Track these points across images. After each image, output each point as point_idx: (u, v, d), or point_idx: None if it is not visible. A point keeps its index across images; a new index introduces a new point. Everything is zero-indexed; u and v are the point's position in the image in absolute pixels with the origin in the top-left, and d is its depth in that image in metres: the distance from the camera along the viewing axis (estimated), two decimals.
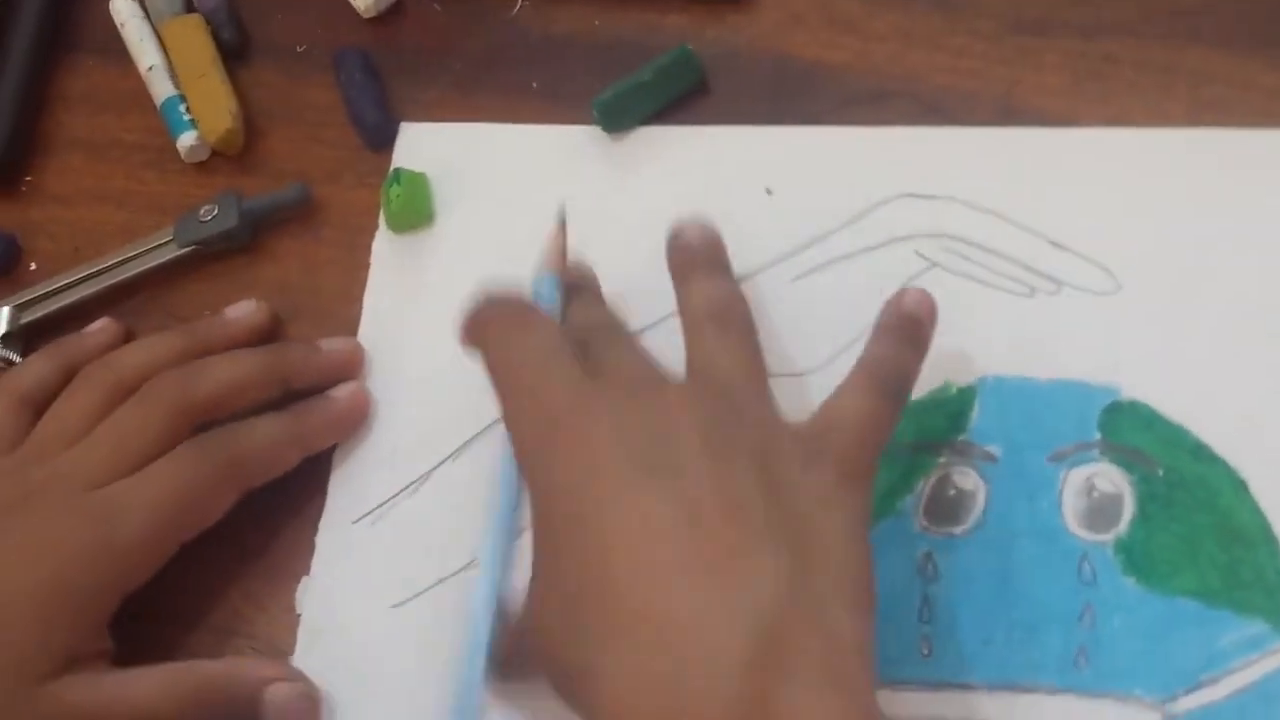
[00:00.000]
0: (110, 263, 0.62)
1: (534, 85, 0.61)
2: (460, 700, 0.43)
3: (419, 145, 0.61)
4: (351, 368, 0.57)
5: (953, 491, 0.49)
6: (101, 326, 0.60)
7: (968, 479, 0.49)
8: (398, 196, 0.58)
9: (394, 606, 0.53)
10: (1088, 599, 0.46)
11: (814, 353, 0.52)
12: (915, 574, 0.48)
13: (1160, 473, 0.48)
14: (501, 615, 0.44)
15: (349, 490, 0.55)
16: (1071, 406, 0.49)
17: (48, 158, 0.67)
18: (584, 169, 0.59)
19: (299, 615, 0.53)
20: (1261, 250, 0.50)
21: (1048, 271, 0.52)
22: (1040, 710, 0.46)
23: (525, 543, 0.44)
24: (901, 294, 0.48)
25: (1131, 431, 0.48)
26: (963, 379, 0.51)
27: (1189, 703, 0.45)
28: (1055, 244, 0.52)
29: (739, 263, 0.52)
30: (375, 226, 0.60)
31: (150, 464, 0.52)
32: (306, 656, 0.53)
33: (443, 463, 0.55)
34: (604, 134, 0.59)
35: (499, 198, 0.59)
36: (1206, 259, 0.50)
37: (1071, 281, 0.51)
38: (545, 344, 0.46)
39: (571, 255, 0.51)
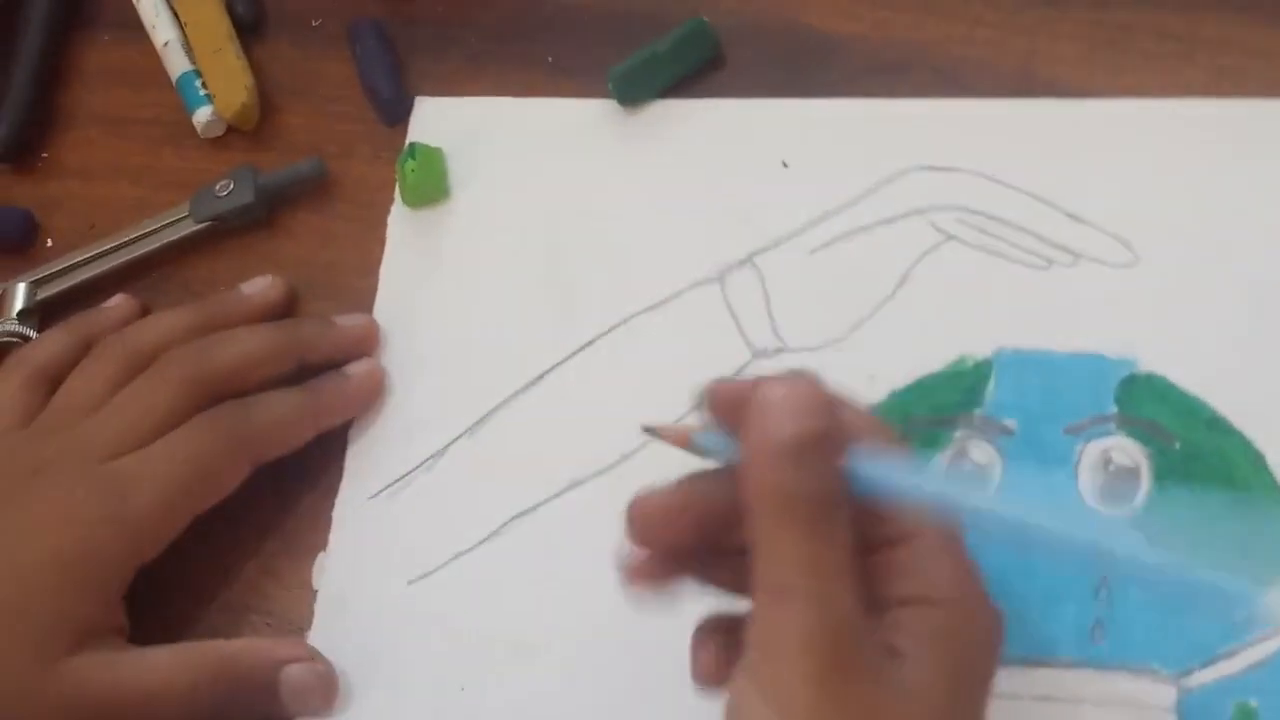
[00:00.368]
0: (126, 238, 0.62)
1: (549, 59, 0.61)
2: None
3: (434, 120, 0.61)
4: (367, 343, 0.57)
5: (969, 465, 0.49)
6: (118, 302, 0.60)
7: (984, 452, 0.49)
8: (413, 171, 0.58)
9: (410, 582, 0.53)
10: (1104, 573, 0.46)
11: (831, 326, 0.52)
12: None
13: (1177, 446, 0.47)
14: None
15: (365, 465, 0.55)
16: (1088, 379, 0.49)
17: (64, 133, 0.67)
18: (599, 143, 0.58)
19: (315, 590, 0.53)
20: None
21: (1064, 243, 0.51)
22: (1057, 683, 0.46)
23: None
24: None
25: (1148, 404, 0.48)
26: (979, 352, 0.50)
27: (1205, 676, 0.45)
28: (1072, 216, 0.52)
29: (756, 235, 0.51)
30: (391, 201, 0.60)
31: (163, 437, 0.52)
32: (322, 632, 0.53)
33: (459, 438, 0.55)
34: (619, 107, 0.58)
35: (514, 172, 0.59)
36: (1224, 231, 0.50)
37: (1088, 254, 0.51)
38: None
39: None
